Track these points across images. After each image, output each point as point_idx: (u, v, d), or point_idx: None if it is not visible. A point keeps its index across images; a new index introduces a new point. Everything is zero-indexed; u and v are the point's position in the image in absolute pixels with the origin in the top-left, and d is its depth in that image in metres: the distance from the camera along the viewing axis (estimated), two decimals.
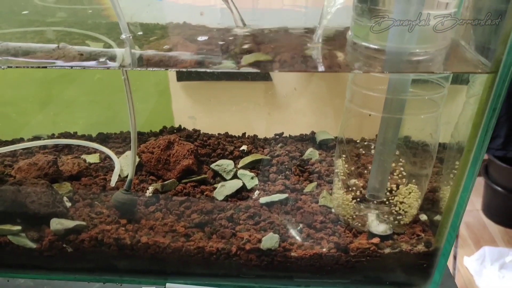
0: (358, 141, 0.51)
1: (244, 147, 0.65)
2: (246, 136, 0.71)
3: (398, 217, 0.51)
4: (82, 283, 0.50)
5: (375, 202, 0.52)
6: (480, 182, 1.82)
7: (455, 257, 1.45)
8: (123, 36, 0.45)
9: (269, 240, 0.49)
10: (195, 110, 0.77)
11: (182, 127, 0.70)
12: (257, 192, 0.59)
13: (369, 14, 0.41)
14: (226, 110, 0.71)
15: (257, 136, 0.71)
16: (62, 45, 0.48)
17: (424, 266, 0.50)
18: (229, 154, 0.64)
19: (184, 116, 0.76)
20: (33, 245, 0.48)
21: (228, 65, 0.44)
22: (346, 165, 0.52)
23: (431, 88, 0.47)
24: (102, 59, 0.45)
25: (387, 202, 0.51)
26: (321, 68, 0.43)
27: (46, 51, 0.47)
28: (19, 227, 0.47)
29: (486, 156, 1.61)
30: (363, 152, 0.51)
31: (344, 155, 0.52)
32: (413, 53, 0.41)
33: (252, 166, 0.62)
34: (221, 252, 0.50)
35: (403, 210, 0.51)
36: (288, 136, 0.71)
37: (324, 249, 0.49)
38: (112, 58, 0.46)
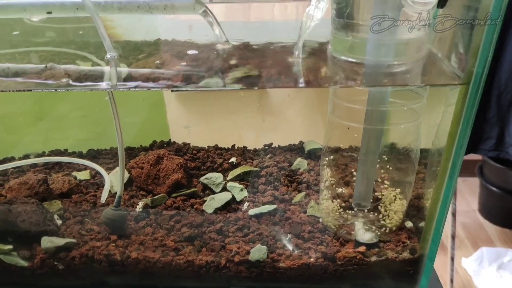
0: (342, 151, 0.52)
1: (233, 159, 0.66)
2: (236, 148, 0.72)
3: (384, 225, 0.52)
4: None
5: (361, 210, 0.53)
6: (475, 182, 1.83)
7: (452, 259, 1.45)
8: (108, 56, 0.46)
9: (257, 252, 0.50)
10: (189, 120, 0.78)
11: (172, 140, 0.71)
12: (246, 204, 0.59)
13: (346, 28, 0.43)
14: (220, 119, 0.72)
15: (246, 147, 0.72)
16: (50, 65, 0.49)
17: (411, 273, 0.50)
18: (219, 167, 0.65)
19: (179, 126, 0.77)
20: (24, 263, 0.49)
21: (214, 82, 0.46)
22: (331, 175, 0.53)
23: (411, 97, 0.48)
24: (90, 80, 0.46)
25: (372, 211, 0.52)
26: (300, 84, 0.44)
27: (36, 71, 0.48)
28: (10, 246, 0.48)
29: (480, 157, 1.62)
30: (347, 162, 0.52)
31: (328, 165, 0.53)
32: (390, 66, 0.43)
33: (241, 178, 0.63)
34: (210, 265, 0.50)
35: (388, 217, 0.52)
36: (277, 146, 0.72)
37: (312, 259, 0.50)
38: (100, 77, 0.47)
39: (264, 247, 0.50)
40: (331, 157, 0.53)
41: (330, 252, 0.51)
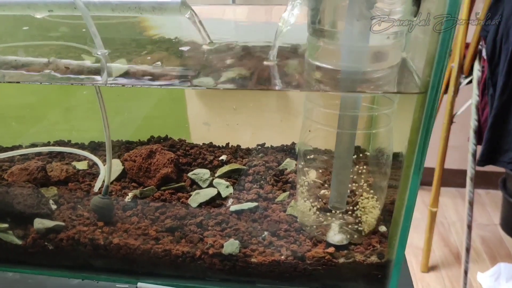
0: (316, 153, 0.54)
1: (223, 157, 0.69)
2: (230, 146, 0.74)
3: (357, 228, 0.53)
4: (63, 279, 0.55)
5: (336, 212, 0.54)
6: (498, 196, 1.76)
7: (465, 272, 1.41)
8: (98, 53, 0.50)
9: (230, 246, 0.52)
10: (209, 117, 0.81)
11: (169, 136, 0.75)
12: (231, 200, 0.62)
13: (318, 34, 0.44)
14: (238, 116, 0.74)
15: (240, 146, 0.74)
16: (52, 59, 0.53)
17: (379, 277, 0.51)
18: (209, 164, 0.68)
19: (198, 123, 0.80)
20: (18, 241, 0.53)
21: (206, 82, 0.48)
22: (306, 176, 0.54)
23: (383, 103, 0.49)
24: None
25: (347, 213, 0.53)
26: (276, 86, 0.46)
27: (40, 64, 0.53)
28: (6, 225, 0.53)
29: (503, 170, 1.56)
30: (322, 164, 0.54)
31: (303, 167, 0.54)
32: (358, 72, 0.44)
33: (229, 176, 0.66)
34: (186, 256, 0.53)
35: (362, 221, 0.53)
36: (270, 146, 0.74)
37: (282, 257, 0.52)
38: (97, 72, 0.51)
39: (237, 241, 0.52)
40: (309, 156, 0.54)
41: (301, 251, 0.52)
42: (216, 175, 0.65)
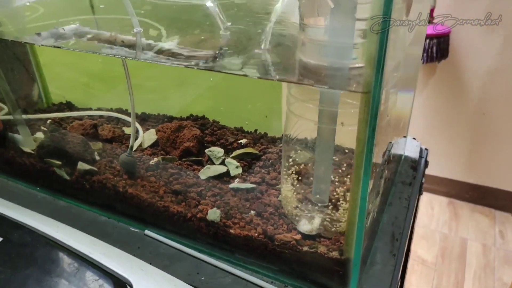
0: (298, 144, 0.57)
1: (243, 141, 0.76)
2: (257, 133, 0.81)
3: (332, 223, 0.55)
4: (94, 214, 0.70)
5: (318, 205, 0.57)
6: None
7: None
8: (135, 30, 0.61)
9: (213, 214, 0.60)
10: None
11: (206, 116, 0.85)
12: (237, 180, 0.69)
13: (300, 27, 0.48)
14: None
15: (267, 134, 0.80)
16: (114, 33, 0.67)
17: (340, 274, 0.53)
18: (229, 145, 0.76)
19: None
20: (67, 177, 0.69)
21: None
22: (288, 167, 0.58)
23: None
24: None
25: (328, 207, 0.56)
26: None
27: (105, 37, 0.66)
28: (59, 163, 0.69)
29: None
30: (305, 157, 0.57)
31: (285, 157, 0.58)
32: (329, 68, 0.46)
33: (241, 158, 0.73)
34: (180, 215, 0.62)
35: (339, 218, 0.55)
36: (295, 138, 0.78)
37: (256, 234, 0.57)
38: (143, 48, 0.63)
39: (218, 211, 0.59)
40: (292, 147, 0.58)
41: (273, 232, 0.57)
42: (232, 155, 0.73)
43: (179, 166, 0.71)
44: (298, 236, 0.55)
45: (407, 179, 0.80)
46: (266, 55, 0.53)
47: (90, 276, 0.46)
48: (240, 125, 0.83)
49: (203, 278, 0.59)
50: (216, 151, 0.72)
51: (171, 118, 0.85)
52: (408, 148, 0.89)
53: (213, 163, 0.72)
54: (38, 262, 0.48)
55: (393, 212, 0.71)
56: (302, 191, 0.58)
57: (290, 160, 0.58)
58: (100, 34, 0.67)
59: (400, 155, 0.85)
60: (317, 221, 0.56)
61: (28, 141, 0.79)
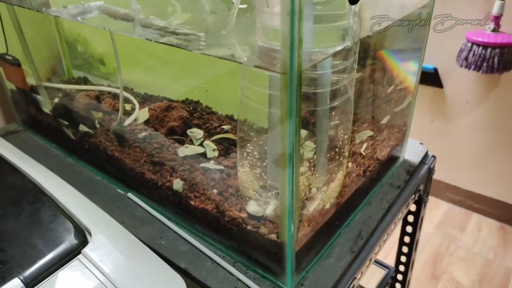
0: (250, 130, 0.62)
1: (226, 127, 0.83)
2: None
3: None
4: (92, 173, 0.81)
5: (271, 191, 0.63)
6: None
7: None
8: (133, 7, 0.69)
9: (177, 184, 0.68)
10: None
11: (199, 101, 0.92)
12: (212, 162, 0.76)
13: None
14: None
15: None
16: (128, 10, 0.74)
17: (278, 257, 0.58)
18: (213, 129, 0.83)
19: None
20: (72, 137, 0.80)
21: None
22: (241, 151, 0.64)
23: None
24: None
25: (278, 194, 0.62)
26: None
27: (121, 14, 0.74)
28: (66, 123, 0.80)
29: None
30: (258, 142, 0.63)
31: (240, 140, 0.64)
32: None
33: (219, 142, 0.80)
34: (152, 182, 0.71)
35: None
36: None
37: (210, 208, 0.65)
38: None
39: (182, 182, 0.67)
40: (244, 132, 0.63)
41: (226, 209, 0.64)
42: (211, 139, 0.80)
43: (162, 142, 0.79)
44: (245, 215, 0.61)
45: (396, 182, 0.80)
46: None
47: (57, 219, 0.55)
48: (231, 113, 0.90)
49: (163, 243, 0.67)
50: (197, 133, 0.80)
51: (169, 101, 0.93)
52: (409, 152, 0.87)
53: (193, 144, 0.80)
54: (19, 202, 0.58)
55: (368, 211, 0.73)
56: (258, 176, 0.64)
57: (244, 145, 0.65)
58: (117, 11, 0.75)
59: (397, 157, 0.86)
60: (264, 204, 0.62)
61: (46, 103, 0.91)
